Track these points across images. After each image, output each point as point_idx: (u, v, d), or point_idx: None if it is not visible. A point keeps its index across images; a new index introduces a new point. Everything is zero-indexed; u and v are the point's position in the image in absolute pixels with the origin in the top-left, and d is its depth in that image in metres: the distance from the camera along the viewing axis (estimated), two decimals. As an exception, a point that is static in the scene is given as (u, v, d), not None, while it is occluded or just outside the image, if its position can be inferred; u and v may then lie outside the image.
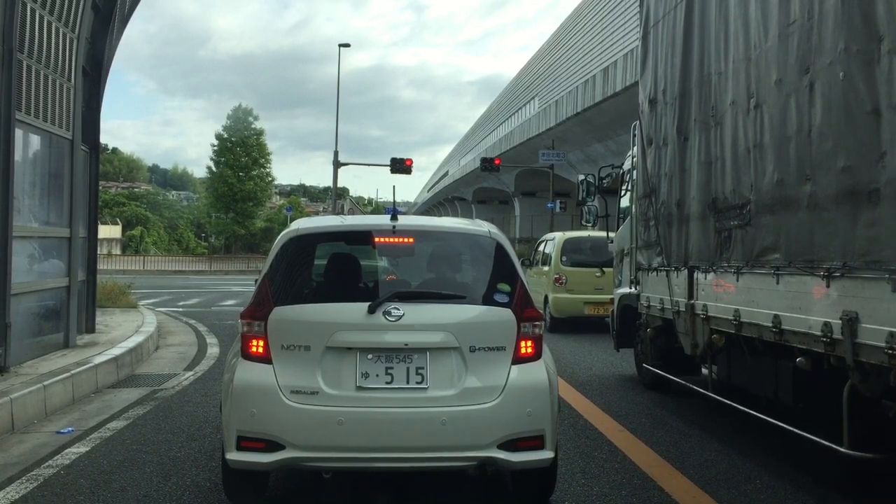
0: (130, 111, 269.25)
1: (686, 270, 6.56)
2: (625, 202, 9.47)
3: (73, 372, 7.40)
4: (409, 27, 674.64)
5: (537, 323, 4.20)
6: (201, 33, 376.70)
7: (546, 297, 13.91)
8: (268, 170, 57.44)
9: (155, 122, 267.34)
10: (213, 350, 10.89)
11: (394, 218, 4.33)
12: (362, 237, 4.78)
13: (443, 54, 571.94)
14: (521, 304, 4.17)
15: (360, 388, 3.92)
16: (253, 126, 55.96)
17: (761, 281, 5.15)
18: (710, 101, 6.09)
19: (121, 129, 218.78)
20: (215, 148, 55.57)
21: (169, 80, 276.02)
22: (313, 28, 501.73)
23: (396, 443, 3.89)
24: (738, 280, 5.53)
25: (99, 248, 13.73)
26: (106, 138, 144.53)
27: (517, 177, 49.48)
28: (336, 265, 4.46)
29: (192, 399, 7.47)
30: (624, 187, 9.43)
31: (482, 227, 4.62)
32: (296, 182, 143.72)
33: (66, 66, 9.05)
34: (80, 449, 5.59)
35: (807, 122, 4.52)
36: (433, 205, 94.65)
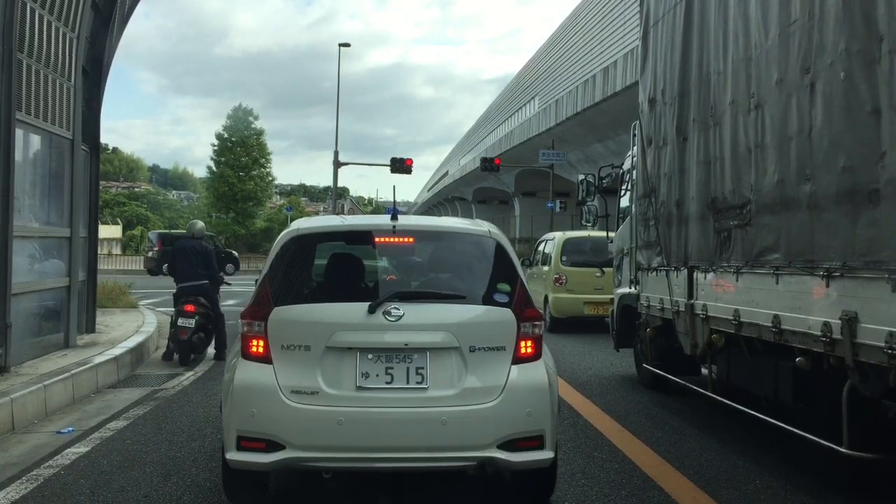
0: (139, 110, 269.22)
1: (686, 270, 6.56)
2: (625, 202, 9.47)
3: (73, 372, 7.40)
4: (432, 24, 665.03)
5: (537, 323, 4.20)
6: (219, 30, 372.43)
7: (546, 297, 13.92)
8: (268, 170, 57.52)
9: (165, 121, 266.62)
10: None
11: (394, 218, 4.33)
12: (362, 237, 4.78)
13: (464, 52, 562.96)
14: (521, 304, 4.17)
15: (360, 388, 3.92)
16: (253, 126, 56.04)
17: (761, 281, 5.15)
18: (709, 100, 6.09)
19: (130, 129, 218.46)
20: (216, 148, 55.64)
21: (183, 78, 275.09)
22: (336, 25, 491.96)
23: (396, 443, 3.89)
24: (737, 280, 5.52)
25: (99, 248, 13.72)
26: (115, 137, 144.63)
27: (517, 177, 49.46)
28: (336, 265, 4.47)
29: (192, 399, 7.47)
30: (624, 187, 9.43)
31: (482, 226, 4.61)
32: (296, 182, 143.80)
33: (67, 66, 9.05)
34: (80, 449, 5.59)
35: (807, 122, 4.52)
36: (433, 204, 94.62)
